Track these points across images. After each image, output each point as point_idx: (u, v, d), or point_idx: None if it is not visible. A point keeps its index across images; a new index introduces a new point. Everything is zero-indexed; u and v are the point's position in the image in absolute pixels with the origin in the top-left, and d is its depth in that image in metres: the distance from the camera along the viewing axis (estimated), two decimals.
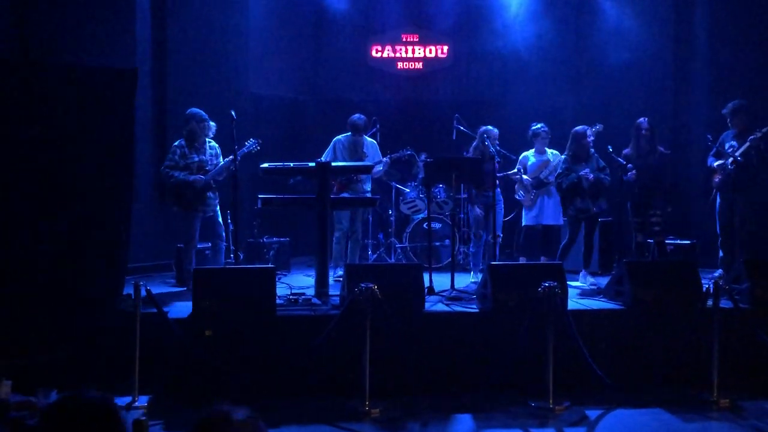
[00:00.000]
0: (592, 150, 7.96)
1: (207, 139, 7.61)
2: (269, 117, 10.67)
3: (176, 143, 7.53)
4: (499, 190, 8.02)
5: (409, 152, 8.81)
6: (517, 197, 8.40)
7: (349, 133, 8.30)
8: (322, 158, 8.06)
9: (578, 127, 8.02)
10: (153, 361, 5.39)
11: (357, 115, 8.27)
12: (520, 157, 8.40)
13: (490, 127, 8.13)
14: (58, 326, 5.67)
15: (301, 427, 4.87)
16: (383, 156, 8.47)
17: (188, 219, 7.46)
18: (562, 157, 8.08)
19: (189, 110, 7.56)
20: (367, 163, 8.00)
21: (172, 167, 7.42)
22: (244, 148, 7.52)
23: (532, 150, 8.42)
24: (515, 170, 8.33)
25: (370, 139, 8.53)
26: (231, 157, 7.21)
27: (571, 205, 7.91)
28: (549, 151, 8.37)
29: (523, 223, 8.46)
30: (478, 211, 8.23)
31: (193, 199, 7.40)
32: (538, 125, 8.35)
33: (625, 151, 7.99)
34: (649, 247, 7.99)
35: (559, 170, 8.01)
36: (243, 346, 5.56)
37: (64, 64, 6.67)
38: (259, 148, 7.61)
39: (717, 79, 9.53)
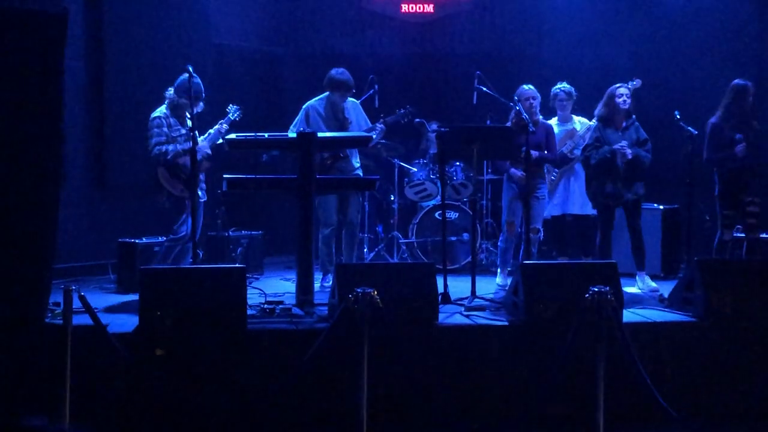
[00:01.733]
0: (633, 116, 7.92)
1: None
2: (236, 75, 10.67)
3: (157, 114, 7.61)
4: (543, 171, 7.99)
5: (409, 111, 8.68)
6: None
7: (326, 95, 8.21)
8: (289, 130, 8.03)
9: (613, 86, 7.99)
10: (89, 387, 5.39)
11: (336, 70, 8.16)
12: None
13: (525, 87, 8.12)
14: None
15: None
16: (375, 122, 8.39)
17: (182, 203, 7.59)
18: (593, 123, 8.07)
19: (182, 79, 7.50)
20: (362, 133, 7.98)
21: (162, 142, 7.54)
22: (228, 117, 7.72)
23: (555, 118, 8.45)
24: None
25: (351, 99, 8.39)
26: (218, 126, 7.56)
27: (599, 189, 7.86)
28: (576, 118, 8.38)
29: (545, 214, 8.48)
30: (518, 173, 7.98)
31: (188, 180, 7.39)
32: (558, 86, 8.43)
33: (712, 121, 7.93)
34: (733, 245, 7.97)
35: (587, 141, 7.99)
36: (204, 368, 5.56)
37: None
38: (241, 115, 7.77)
39: None
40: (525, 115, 7.61)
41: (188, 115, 7.50)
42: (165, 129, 7.56)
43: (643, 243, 8.01)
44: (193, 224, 7.38)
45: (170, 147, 7.54)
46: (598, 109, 7.96)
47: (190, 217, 7.33)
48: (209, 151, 7.71)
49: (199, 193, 7.59)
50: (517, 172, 7.98)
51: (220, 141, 7.62)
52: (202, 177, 7.70)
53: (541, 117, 8.03)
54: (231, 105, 7.84)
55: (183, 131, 7.62)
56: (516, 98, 7.96)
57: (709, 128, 7.93)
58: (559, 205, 8.34)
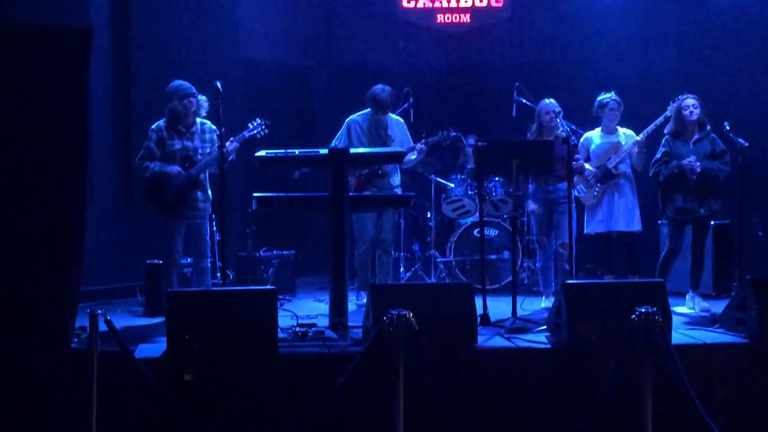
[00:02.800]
0: (708, 127, 7.82)
1: (200, 120, 7.63)
2: (266, 89, 10.74)
3: (154, 126, 7.56)
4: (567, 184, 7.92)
5: (452, 134, 8.73)
6: (576, 193, 8.25)
7: (368, 111, 8.29)
8: (333, 143, 8.07)
9: (680, 96, 7.90)
10: (115, 414, 5.41)
11: (380, 87, 8.26)
12: (581, 140, 8.33)
13: (547, 101, 8.11)
14: None
15: None
16: (416, 140, 8.43)
17: (168, 227, 7.51)
18: (639, 137, 8.00)
19: (179, 83, 7.57)
20: (396, 149, 7.99)
21: (147, 157, 7.47)
22: (246, 132, 7.53)
23: (598, 129, 8.38)
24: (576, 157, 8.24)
25: (396, 117, 8.52)
26: (227, 143, 7.24)
27: (671, 204, 7.81)
28: (621, 130, 8.31)
29: (586, 230, 8.41)
30: (532, 206, 8.20)
31: (175, 200, 7.43)
32: (607, 95, 8.33)
33: None
34: None
35: (657, 155, 7.92)
36: (234, 394, 5.56)
37: None
38: (266, 131, 7.60)
39: None
40: (563, 128, 7.58)
41: (207, 123, 7.55)
42: (152, 143, 7.45)
43: (703, 262, 7.96)
44: (211, 243, 7.42)
45: (151, 164, 7.41)
46: (670, 124, 7.87)
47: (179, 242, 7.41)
48: (201, 177, 7.49)
49: (191, 214, 7.50)
50: (583, 195, 8.22)
51: (232, 158, 7.43)
52: (199, 196, 7.53)
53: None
54: (256, 119, 7.62)
55: (179, 146, 7.47)
56: (543, 111, 7.96)
57: None
58: (603, 221, 8.27)
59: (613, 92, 8.35)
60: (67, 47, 6.05)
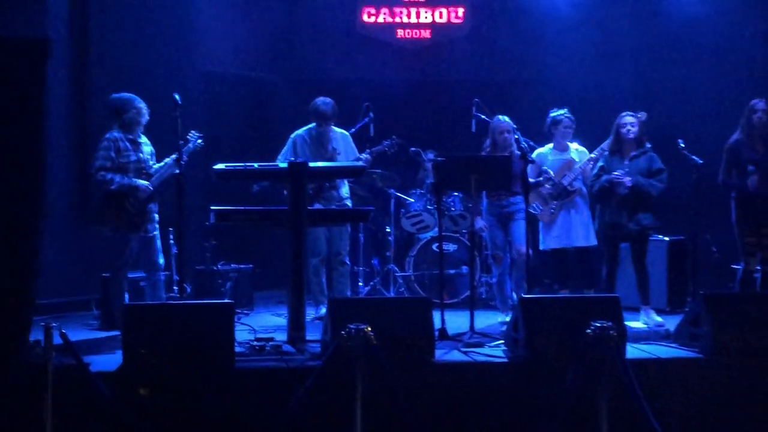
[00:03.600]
0: (648, 145, 7.93)
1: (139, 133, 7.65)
2: (226, 103, 10.73)
3: (109, 135, 7.51)
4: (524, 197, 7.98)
5: (395, 141, 8.72)
6: (530, 210, 8.16)
7: (313, 125, 8.31)
8: (277, 160, 8.06)
9: (623, 114, 8.03)
10: (71, 428, 5.36)
11: (321, 99, 8.27)
12: (534, 155, 8.32)
13: (501, 118, 8.18)
14: None
15: None
16: (362, 151, 8.45)
17: (125, 239, 7.48)
18: (594, 154, 8.11)
19: (119, 94, 7.55)
20: (356, 163, 8.02)
21: (108, 168, 7.39)
22: (191, 143, 7.57)
23: (550, 146, 8.44)
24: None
25: (340, 130, 8.51)
26: (176, 155, 7.26)
27: (600, 219, 7.93)
28: (573, 146, 8.38)
29: (542, 246, 8.47)
30: (480, 223, 8.20)
31: (136, 213, 7.42)
32: (560, 112, 8.38)
33: (731, 141, 7.86)
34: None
35: (594, 171, 8.02)
36: (190, 408, 5.52)
37: None
38: (202, 143, 7.63)
39: None
40: (524, 143, 7.66)
41: (143, 137, 7.56)
42: (112, 153, 7.41)
43: (647, 277, 8.01)
44: (167, 257, 7.40)
45: (117, 177, 7.37)
46: (608, 140, 8.01)
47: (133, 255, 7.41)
48: (151, 188, 7.47)
49: (149, 226, 7.52)
50: (538, 211, 8.30)
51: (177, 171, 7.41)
52: (154, 208, 7.55)
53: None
54: (191, 132, 7.64)
55: (134, 158, 7.47)
56: (497, 129, 8.01)
57: (726, 149, 7.92)
58: (559, 237, 8.31)
59: (566, 109, 8.39)
60: (23, 58, 6.01)
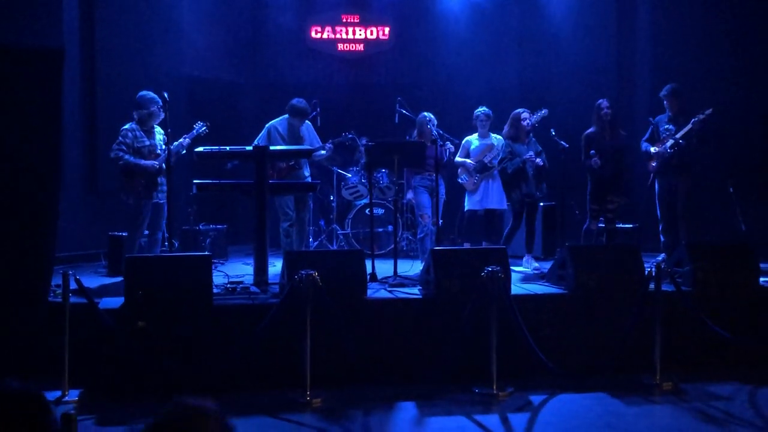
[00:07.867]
0: (530, 134, 8.09)
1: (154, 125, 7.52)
2: (206, 100, 10.50)
3: (127, 126, 7.39)
4: (440, 175, 7.99)
5: (350, 136, 8.78)
6: (459, 181, 8.43)
7: (285, 117, 8.22)
8: (253, 143, 7.97)
9: (516, 110, 8.13)
10: (84, 355, 5.30)
11: (297, 99, 8.19)
12: (463, 141, 8.44)
13: (425, 113, 8.15)
14: None
15: (242, 419, 4.82)
16: (325, 141, 8.40)
17: (140, 206, 7.35)
18: (504, 141, 8.17)
19: (145, 93, 7.38)
20: (305, 147, 7.96)
21: (123, 151, 7.28)
22: (193, 131, 7.48)
23: (476, 134, 8.49)
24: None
25: (306, 122, 8.45)
26: (181, 140, 7.27)
27: (517, 190, 8.01)
28: (493, 135, 8.44)
29: (466, 208, 8.51)
30: (409, 195, 8.29)
31: (147, 185, 7.31)
32: (479, 110, 8.42)
33: (587, 132, 8.05)
34: (598, 233, 8.14)
35: (501, 155, 8.10)
36: (178, 337, 5.49)
37: None
38: (207, 130, 7.54)
39: (658, 64, 9.78)
40: (435, 132, 7.69)
41: (157, 127, 7.45)
42: (128, 140, 7.28)
43: (535, 232, 8.24)
44: (153, 222, 7.34)
45: (126, 156, 7.24)
46: (506, 131, 8.09)
47: (148, 217, 7.32)
48: (162, 165, 7.29)
49: (159, 195, 7.41)
50: (465, 182, 8.32)
51: (184, 152, 7.49)
52: (163, 181, 7.40)
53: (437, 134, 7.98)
54: (198, 122, 7.57)
55: (147, 143, 7.35)
56: (425, 120, 8.01)
57: (583, 138, 8.06)
58: (479, 201, 8.31)
59: (484, 107, 8.41)
60: (41, 65, 5.87)
